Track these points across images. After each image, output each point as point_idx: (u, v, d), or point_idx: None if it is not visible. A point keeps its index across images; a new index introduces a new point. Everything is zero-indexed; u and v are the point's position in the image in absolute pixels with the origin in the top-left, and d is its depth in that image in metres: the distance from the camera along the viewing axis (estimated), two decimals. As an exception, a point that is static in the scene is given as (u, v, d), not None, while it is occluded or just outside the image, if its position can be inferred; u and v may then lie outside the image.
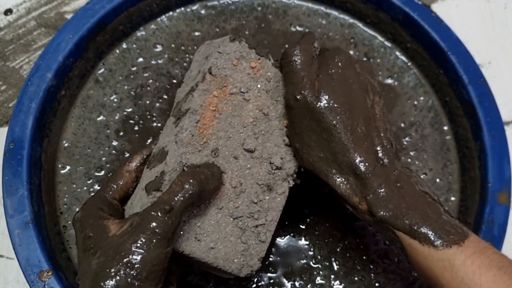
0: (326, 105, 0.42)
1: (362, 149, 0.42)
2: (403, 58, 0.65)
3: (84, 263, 0.38)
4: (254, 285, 0.52)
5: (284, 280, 0.52)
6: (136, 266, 0.35)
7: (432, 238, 0.39)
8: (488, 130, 0.55)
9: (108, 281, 0.34)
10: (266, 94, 0.45)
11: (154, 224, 0.36)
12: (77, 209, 0.44)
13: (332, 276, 0.53)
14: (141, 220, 0.36)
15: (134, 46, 0.63)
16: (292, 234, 0.54)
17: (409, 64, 0.64)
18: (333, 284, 0.52)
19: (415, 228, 0.40)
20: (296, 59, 0.44)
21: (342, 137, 0.41)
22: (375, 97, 0.46)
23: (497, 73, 0.67)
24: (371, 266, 0.53)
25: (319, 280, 0.52)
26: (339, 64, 0.44)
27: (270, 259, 0.53)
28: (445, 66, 0.60)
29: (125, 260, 0.35)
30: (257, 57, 0.46)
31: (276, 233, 0.53)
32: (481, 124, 0.56)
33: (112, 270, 0.35)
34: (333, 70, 0.44)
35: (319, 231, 0.54)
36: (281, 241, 0.54)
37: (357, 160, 0.41)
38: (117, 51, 0.63)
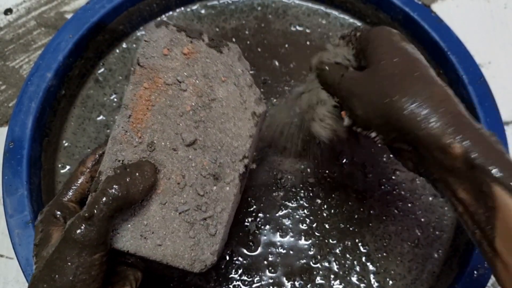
0: None
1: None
2: (403, 58, 0.65)
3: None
4: (254, 285, 0.52)
5: (284, 280, 0.52)
6: (60, 278, 0.34)
7: None
8: (488, 130, 0.55)
9: None
10: (205, 78, 0.42)
11: (75, 233, 0.35)
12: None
13: (332, 276, 0.53)
14: (65, 230, 0.36)
15: (134, 46, 0.63)
16: (292, 234, 0.54)
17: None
18: (333, 284, 0.52)
19: None
20: None
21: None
22: None
23: (497, 73, 0.67)
24: (371, 267, 0.53)
25: (319, 280, 0.52)
26: None
27: (270, 259, 0.53)
28: (445, 66, 0.60)
29: (51, 273, 0.35)
30: (189, 40, 0.43)
31: (276, 233, 0.54)
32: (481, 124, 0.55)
33: (40, 284, 0.35)
34: None
35: (319, 231, 0.54)
36: (281, 241, 0.54)
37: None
38: (117, 50, 0.63)
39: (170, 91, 0.41)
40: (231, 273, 0.52)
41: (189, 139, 0.41)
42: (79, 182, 0.44)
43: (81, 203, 0.43)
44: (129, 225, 0.40)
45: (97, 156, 0.44)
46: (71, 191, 0.43)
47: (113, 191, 0.36)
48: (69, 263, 0.35)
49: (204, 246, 0.41)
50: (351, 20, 0.66)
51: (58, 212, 0.41)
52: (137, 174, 0.38)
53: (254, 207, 0.55)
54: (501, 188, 0.34)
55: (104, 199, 0.36)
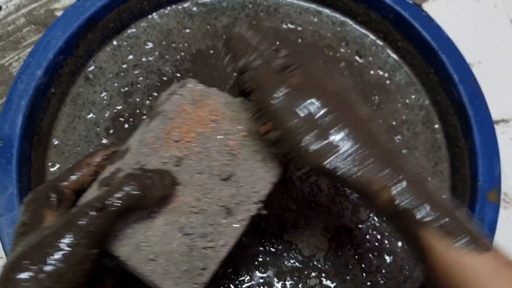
0: None
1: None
2: (395, 56, 0.65)
3: (11, 251, 0.35)
4: (245, 285, 0.52)
5: (275, 280, 0.52)
6: (51, 262, 0.32)
7: (464, 240, 0.34)
8: (478, 129, 0.55)
9: (18, 274, 0.32)
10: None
11: (82, 220, 0.33)
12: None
13: (323, 275, 0.53)
14: (72, 215, 0.34)
15: (125, 43, 0.63)
16: (282, 234, 0.54)
17: (400, 62, 0.65)
18: (324, 283, 0.52)
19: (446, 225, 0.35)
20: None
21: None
22: None
23: (487, 72, 0.68)
24: (363, 265, 0.53)
25: (310, 280, 0.52)
26: None
27: (260, 259, 0.53)
28: (436, 65, 0.60)
29: (42, 253, 0.32)
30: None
31: (265, 232, 0.53)
32: (471, 123, 0.56)
33: (26, 262, 0.32)
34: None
35: (310, 231, 0.54)
36: (272, 241, 0.54)
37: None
38: (108, 48, 0.62)
39: (215, 121, 0.42)
40: (221, 272, 0.52)
41: (226, 173, 0.41)
42: (81, 173, 0.42)
43: (76, 195, 0.42)
44: (129, 231, 0.38)
45: (108, 152, 0.43)
46: (71, 178, 0.42)
47: (130, 188, 0.35)
48: (67, 251, 0.33)
49: (193, 275, 0.39)
50: (343, 19, 0.67)
51: (53, 195, 0.39)
52: (157, 180, 0.37)
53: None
54: (426, 231, 0.35)
55: (119, 194, 0.35)
